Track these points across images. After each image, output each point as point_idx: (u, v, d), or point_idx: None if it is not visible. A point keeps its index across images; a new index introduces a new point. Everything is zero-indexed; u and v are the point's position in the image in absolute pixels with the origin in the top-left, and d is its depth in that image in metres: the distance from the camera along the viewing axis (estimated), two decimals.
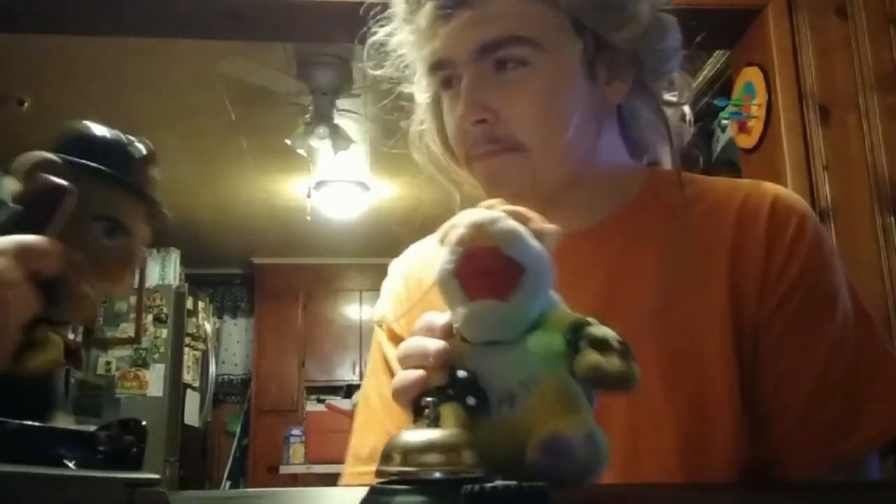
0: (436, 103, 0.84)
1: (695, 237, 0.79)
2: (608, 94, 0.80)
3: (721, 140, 2.61)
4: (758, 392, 0.75)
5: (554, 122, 0.77)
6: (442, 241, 0.52)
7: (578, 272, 0.79)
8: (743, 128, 2.26)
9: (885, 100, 2.07)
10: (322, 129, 4.03)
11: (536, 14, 0.75)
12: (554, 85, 0.76)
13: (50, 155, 0.61)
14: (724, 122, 2.47)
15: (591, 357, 0.45)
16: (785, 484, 0.74)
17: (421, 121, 0.87)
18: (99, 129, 0.65)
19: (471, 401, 0.48)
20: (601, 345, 0.46)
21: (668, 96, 0.86)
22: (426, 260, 0.91)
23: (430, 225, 1.02)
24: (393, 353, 0.90)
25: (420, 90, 0.85)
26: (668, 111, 0.85)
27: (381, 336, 0.92)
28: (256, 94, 3.96)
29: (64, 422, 0.55)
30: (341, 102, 4.08)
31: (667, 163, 0.89)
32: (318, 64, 3.89)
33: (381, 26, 0.84)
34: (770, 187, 0.83)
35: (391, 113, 0.89)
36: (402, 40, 0.82)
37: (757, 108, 2.18)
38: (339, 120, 4.14)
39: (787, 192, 0.83)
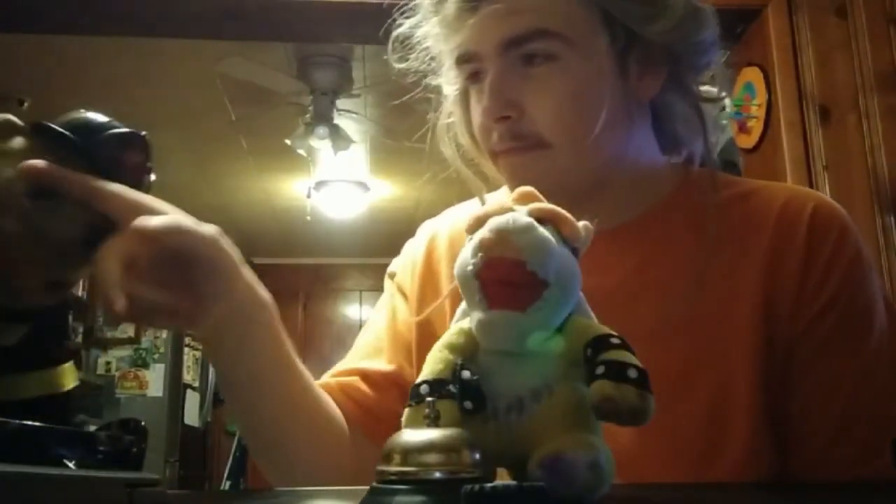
0: (464, 95, 0.82)
1: (728, 242, 0.76)
2: (640, 90, 0.77)
3: (721, 140, 2.61)
4: (787, 408, 0.73)
5: (581, 119, 0.74)
6: (468, 233, 0.50)
7: (602, 271, 0.77)
8: (743, 128, 2.26)
9: (885, 100, 2.08)
10: (322, 129, 4.03)
11: (565, 6, 0.73)
12: (582, 80, 0.74)
13: (10, 117, 0.56)
14: (724, 122, 2.47)
15: (606, 388, 0.43)
16: (784, 485, 0.74)
17: (449, 113, 0.85)
18: (87, 113, 0.59)
19: (467, 405, 0.47)
20: (619, 373, 0.44)
21: (706, 88, 0.83)
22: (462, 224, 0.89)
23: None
24: (402, 304, 0.91)
25: (448, 82, 0.83)
26: (706, 106, 0.82)
27: (391, 287, 0.94)
28: (256, 94, 3.96)
29: None
30: (341, 102, 4.08)
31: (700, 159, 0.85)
32: (318, 64, 3.89)
33: (407, 18, 0.81)
34: (810, 194, 0.80)
35: (418, 104, 0.87)
36: (428, 32, 0.79)
37: (757, 108, 2.18)
38: (339, 120, 4.14)
39: (828, 201, 0.80)
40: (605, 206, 0.79)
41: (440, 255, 0.90)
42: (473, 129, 0.81)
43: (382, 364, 0.87)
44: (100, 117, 0.58)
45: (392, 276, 0.95)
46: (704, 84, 0.83)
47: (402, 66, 0.83)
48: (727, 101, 0.87)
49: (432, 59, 0.82)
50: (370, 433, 0.82)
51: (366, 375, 0.86)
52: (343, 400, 0.84)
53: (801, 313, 0.74)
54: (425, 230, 0.95)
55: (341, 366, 0.90)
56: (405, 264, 0.93)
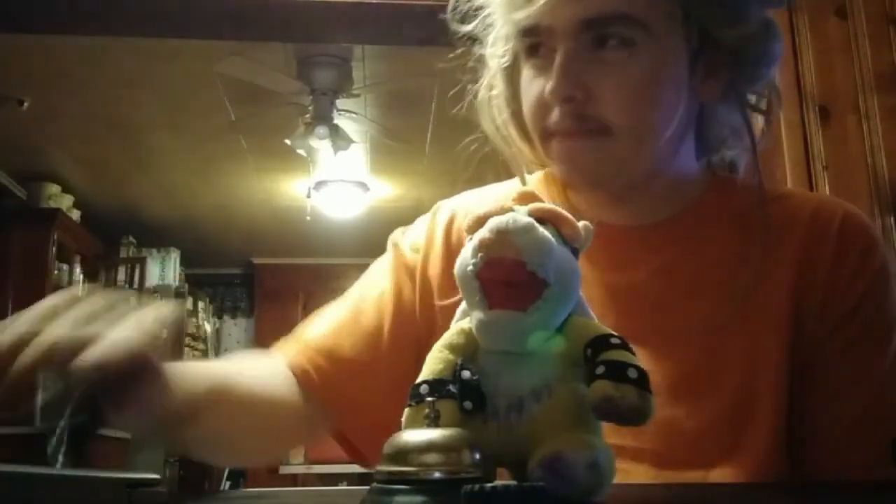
0: (511, 70, 0.79)
1: (759, 245, 0.77)
2: (702, 92, 0.76)
3: None
4: (806, 410, 0.74)
5: (651, 111, 0.73)
6: (468, 233, 0.50)
7: (629, 267, 0.79)
8: None
9: (885, 100, 2.07)
10: (322, 129, 4.02)
11: None
12: (657, 72, 0.72)
13: None
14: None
15: (606, 388, 0.43)
16: (789, 485, 0.74)
17: (491, 86, 0.82)
18: None
19: (467, 405, 0.47)
20: (619, 373, 0.44)
21: (758, 100, 0.83)
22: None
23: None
24: (408, 286, 0.87)
25: (495, 54, 0.80)
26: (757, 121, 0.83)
27: (392, 253, 0.90)
28: (256, 94, 3.95)
29: None
30: (341, 102, 4.08)
31: (738, 166, 0.85)
32: (318, 64, 3.89)
33: None
34: (839, 203, 0.81)
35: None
36: None
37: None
38: (339, 120, 4.14)
39: (856, 210, 0.80)
40: (641, 204, 0.80)
41: (461, 239, 0.85)
42: (517, 106, 0.78)
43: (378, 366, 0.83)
44: None
45: (397, 247, 0.90)
46: (757, 95, 0.82)
47: (463, 29, 0.79)
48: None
49: (489, 26, 0.78)
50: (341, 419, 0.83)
51: (354, 373, 0.83)
52: (322, 386, 0.82)
53: (826, 318, 0.75)
54: (444, 211, 0.89)
55: (325, 334, 0.86)
56: (417, 243, 0.89)
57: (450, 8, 0.79)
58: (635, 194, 0.79)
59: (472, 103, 0.84)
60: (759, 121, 0.84)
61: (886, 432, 0.72)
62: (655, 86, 0.73)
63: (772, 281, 0.76)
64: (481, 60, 0.82)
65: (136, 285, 5.96)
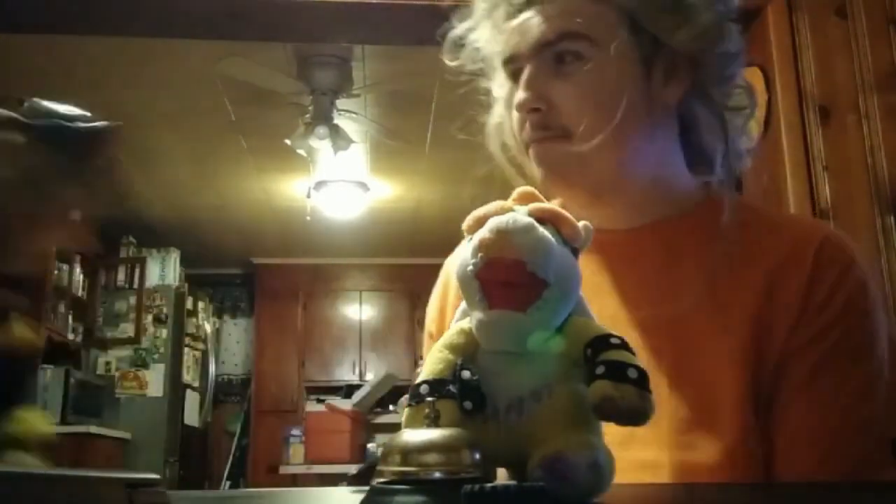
0: (510, 98, 0.87)
1: (734, 259, 0.79)
2: (664, 94, 0.82)
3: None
4: (782, 424, 0.75)
5: (601, 112, 0.79)
6: (468, 233, 0.51)
7: (608, 269, 0.82)
8: None
9: (885, 100, 2.07)
10: (322, 129, 4.03)
11: (594, 12, 0.79)
12: (605, 78, 0.80)
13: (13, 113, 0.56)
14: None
15: (606, 388, 0.43)
16: (784, 485, 0.74)
17: (499, 114, 0.91)
18: (50, 104, 0.60)
19: (467, 405, 0.47)
20: (619, 373, 0.44)
21: (733, 103, 0.86)
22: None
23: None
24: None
25: (497, 85, 0.89)
26: (737, 120, 0.86)
27: (426, 343, 0.97)
28: (256, 94, 3.96)
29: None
30: (341, 102, 4.08)
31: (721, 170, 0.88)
32: (318, 64, 3.89)
33: (461, 21, 0.87)
34: (822, 225, 0.83)
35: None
36: (481, 36, 0.86)
37: (757, 109, 2.18)
38: (339, 120, 4.14)
39: (839, 234, 0.82)
40: (623, 207, 0.85)
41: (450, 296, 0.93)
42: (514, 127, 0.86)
43: None
44: (68, 108, 0.58)
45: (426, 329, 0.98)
46: (730, 95, 0.86)
47: (454, 64, 0.89)
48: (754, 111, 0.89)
49: (482, 60, 0.88)
50: None
51: None
52: None
53: (798, 332, 0.76)
54: (442, 271, 0.97)
55: None
56: (432, 315, 0.96)
57: (445, 49, 0.88)
58: (611, 196, 0.84)
59: (470, 124, 0.92)
60: (755, 127, 0.86)
61: (859, 445, 0.74)
62: (608, 91, 0.80)
63: (738, 300, 0.77)
64: (489, 92, 0.91)
65: (136, 285, 5.96)
